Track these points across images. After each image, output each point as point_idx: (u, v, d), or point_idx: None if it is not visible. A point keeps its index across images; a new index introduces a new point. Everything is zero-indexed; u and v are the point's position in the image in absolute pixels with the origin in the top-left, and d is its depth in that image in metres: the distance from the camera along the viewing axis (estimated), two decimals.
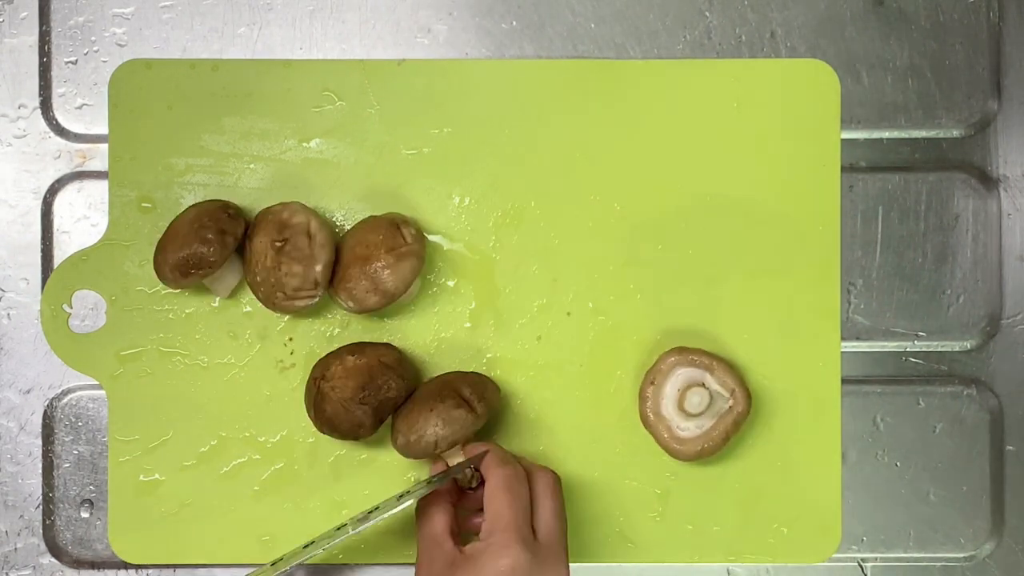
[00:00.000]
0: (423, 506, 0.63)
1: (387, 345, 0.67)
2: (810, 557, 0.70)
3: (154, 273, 0.67)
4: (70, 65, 0.71)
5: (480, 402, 0.64)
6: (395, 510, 0.61)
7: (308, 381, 0.67)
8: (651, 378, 0.66)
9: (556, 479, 0.63)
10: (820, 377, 0.70)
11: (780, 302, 0.70)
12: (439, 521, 0.62)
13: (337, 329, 0.69)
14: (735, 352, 0.69)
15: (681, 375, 0.66)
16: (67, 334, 0.69)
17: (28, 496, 0.70)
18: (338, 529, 0.63)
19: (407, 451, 0.64)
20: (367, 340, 0.69)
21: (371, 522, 0.61)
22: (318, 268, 0.65)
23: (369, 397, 0.64)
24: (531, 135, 0.70)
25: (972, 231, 0.71)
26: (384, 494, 0.68)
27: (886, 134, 0.71)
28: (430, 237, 0.70)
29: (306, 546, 0.64)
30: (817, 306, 0.70)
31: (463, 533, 0.63)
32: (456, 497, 0.64)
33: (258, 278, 0.66)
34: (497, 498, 0.60)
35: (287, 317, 0.69)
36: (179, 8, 0.71)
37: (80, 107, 0.71)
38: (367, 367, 0.65)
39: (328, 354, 0.67)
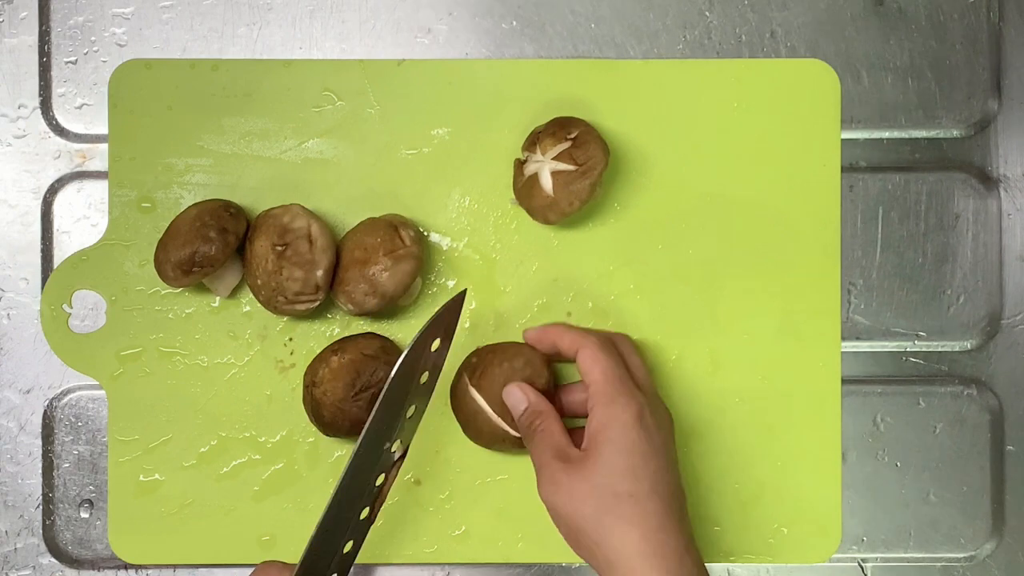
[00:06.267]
0: (536, 426, 0.63)
1: (368, 335, 0.67)
2: (810, 557, 0.70)
3: (154, 273, 0.67)
4: (70, 65, 0.71)
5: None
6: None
7: (303, 389, 0.67)
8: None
9: (631, 340, 0.67)
10: (820, 377, 0.70)
11: (780, 302, 0.70)
12: (561, 433, 0.62)
13: (337, 329, 0.69)
14: (735, 352, 0.69)
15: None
16: (67, 334, 0.69)
17: (28, 496, 0.70)
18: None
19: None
20: (348, 334, 0.69)
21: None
22: (319, 273, 0.65)
23: (361, 393, 0.64)
24: None
25: (972, 231, 0.71)
26: None
27: (886, 134, 0.71)
28: (430, 237, 0.70)
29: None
30: (817, 306, 0.70)
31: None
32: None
33: (259, 281, 0.66)
34: (599, 358, 0.62)
35: (287, 317, 0.69)
36: (179, 8, 0.71)
37: (80, 107, 0.71)
38: (351, 364, 0.65)
39: (314, 358, 0.67)
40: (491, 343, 0.67)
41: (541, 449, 0.61)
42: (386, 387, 0.60)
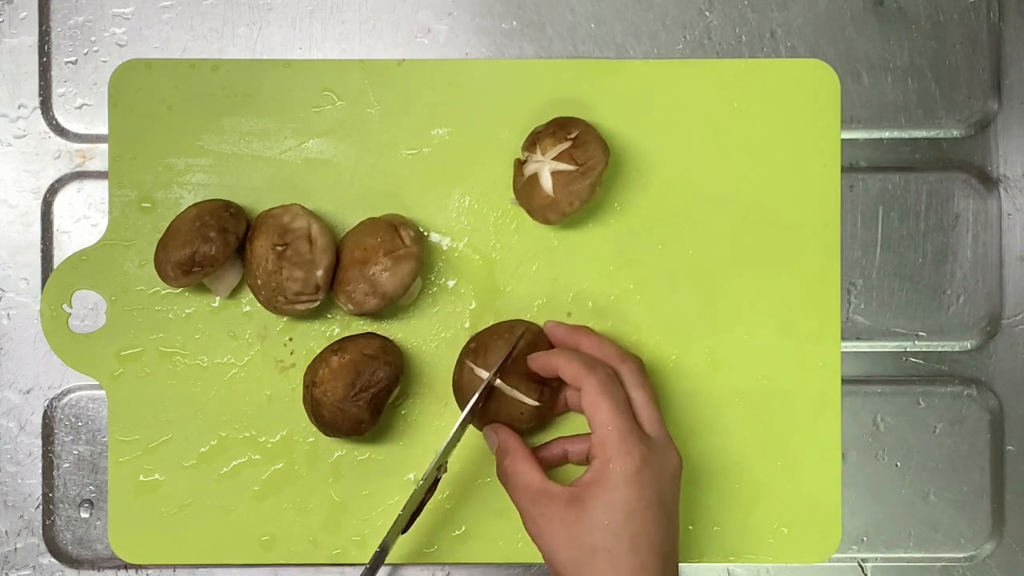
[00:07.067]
0: (506, 468, 0.62)
1: (368, 335, 0.67)
2: (810, 557, 0.70)
3: (154, 273, 0.67)
4: (70, 65, 0.71)
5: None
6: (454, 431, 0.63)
7: (303, 389, 0.67)
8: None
9: (640, 366, 0.63)
10: (820, 377, 0.70)
11: (780, 302, 0.70)
12: (532, 471, 0.61)
13: (337, 329, 0.69)
14: (735, 352, 0.69)
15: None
16: (67, 334, 0.69)
17: (28, 496, 0.70)
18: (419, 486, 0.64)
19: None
20: (347, 334, 0.69)
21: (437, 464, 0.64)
22: (319, 273, 0.65)
23: (361, 392, 0.64)
24: None
25: (972, 231, 0.71)
26: (384, 494, 0.68)
27: (886, 134, 0.71)
28: (430, 237, 0.70)
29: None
30: (817, 306, 0.70)
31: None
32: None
33: (259, 281, 0.66)
34: (600, 406, 0.60)
35: (287, 317, 0.69)
36: (179, 8, 0.71)
37: (80, 107, 0.71)
38: (351, 363, 0.65)
39: (315, 358, 0.67)
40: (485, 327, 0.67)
41: (518, 494, 0.61)
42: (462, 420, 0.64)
